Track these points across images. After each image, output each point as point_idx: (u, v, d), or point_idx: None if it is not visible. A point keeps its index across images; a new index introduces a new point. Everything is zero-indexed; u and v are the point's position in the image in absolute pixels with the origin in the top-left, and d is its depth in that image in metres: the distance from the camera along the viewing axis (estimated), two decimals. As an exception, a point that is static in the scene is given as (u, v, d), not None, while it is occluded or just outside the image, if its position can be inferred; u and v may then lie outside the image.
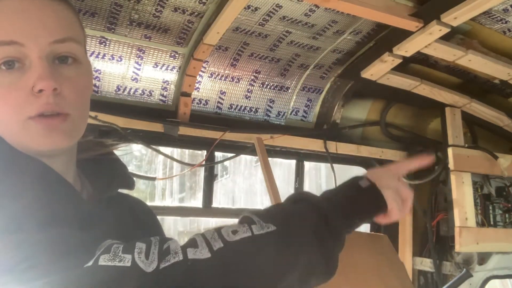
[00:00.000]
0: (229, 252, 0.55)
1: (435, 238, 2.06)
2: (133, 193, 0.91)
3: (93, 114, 1.51)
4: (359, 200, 0.68)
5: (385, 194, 0.69)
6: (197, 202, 2.09)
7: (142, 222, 0.81)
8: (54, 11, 0.64)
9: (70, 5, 0.68)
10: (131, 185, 0.83)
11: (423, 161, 0.78)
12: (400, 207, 0.71)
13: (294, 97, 1.93)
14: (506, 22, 1.58)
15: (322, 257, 0.61)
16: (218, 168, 2.05)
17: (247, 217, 0.60)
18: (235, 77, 1.78)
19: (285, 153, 1.96)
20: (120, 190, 0.83)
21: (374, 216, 0.71)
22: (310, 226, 0.61)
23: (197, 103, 1.77)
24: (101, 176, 0.77)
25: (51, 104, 0.60)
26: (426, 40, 1.58)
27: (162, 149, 1.77)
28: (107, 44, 1.51)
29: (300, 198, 0.66)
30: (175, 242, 0.56)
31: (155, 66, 1.64)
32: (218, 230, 0.57)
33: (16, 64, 0.61)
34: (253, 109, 1.87)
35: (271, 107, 1.90)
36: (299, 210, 0.63)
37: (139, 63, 1.61)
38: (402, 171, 0.78)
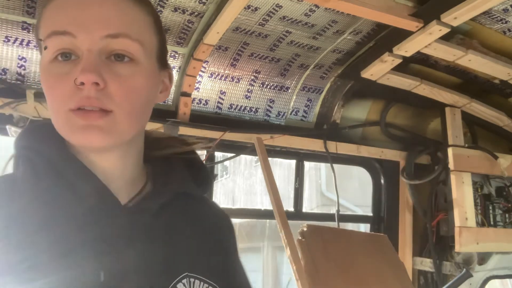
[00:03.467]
0: None
1: (435, 238, 2.06)
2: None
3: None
4: None
5: None
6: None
7: (189, 249, 0.69)
8: (115, 5, 0.62)
9: (144, 5, 0.66)
10: (193, 189, 0.75)
11: None
12: None
13: (294, 97, 1.93)
14: (506, 22, 1.59)
15: None
16: (218, 168, 2.04)
17: None
18: (235, 77, 1.78)
19: (285, 153, 1.96)
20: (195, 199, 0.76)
21: None
22: None
23: (197, 103, 1.77)
24: (159, 177, 0.71)
25: (91, 99, 0.58)
26: (426, 40, 1.58)
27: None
28: (107, 44, 1.52)
29: None
30: None
31: (155, 66, 1.64)
32: None
33: (72, 56, 0.60)
34: (253, 109, 1.87)
35: (271, 107, 1.91)
36: None
37: (139, 63, 1.61)
38: None
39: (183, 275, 0.63)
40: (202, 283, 0.65)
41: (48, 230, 0.61)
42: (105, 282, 0.58)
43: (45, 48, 0.61)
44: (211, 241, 0.73)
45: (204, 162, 0.82)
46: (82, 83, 0.58)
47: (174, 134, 1.67)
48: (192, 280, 0.64)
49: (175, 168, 0.73)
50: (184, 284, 0.63)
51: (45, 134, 0.66)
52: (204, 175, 0.79)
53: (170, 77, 0.73)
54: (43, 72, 0.62)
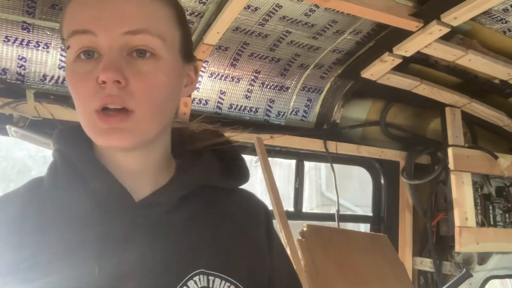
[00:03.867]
0: None
1: (435, 238, 2.06)
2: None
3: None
4: None
5: None
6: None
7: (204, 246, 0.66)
8: (135, 1, 0.60)
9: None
10: (219, 182, 0.72)
11: None
12: None
13: (294, 97, 1.93)
14: (506, 22, 1.58)
15: None
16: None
17: None
18: (235, 77, 1.78)
19: (285, 153, 1.96)
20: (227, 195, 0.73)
21: None
22: None
23: (197, 103, 1.77)
24: (181, 171, 0.69)
25: (113, 97, 0.58)
26: (426, 40, 1.58)
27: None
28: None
29: None
30: None
31: (155, 66, 1.64)
32: None
33: (95, 55, 0.59)
34: (253, 109, 1.87)
35: (271, 107, 1.90)
36: None
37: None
38: None
39: (196, 271, 0.62)
40: (222, 281, 0.63)
41: (51, 230, 0.61)
42: (100, 279, 0.57)
43: (68, 47, 0.61)
44: (238, 237, 0.70)
45: (239, 153, 0.78)
46: (104, 82, 0.57)
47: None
48: (211, 278, 0.62)
49: (201, 161, 0.71)
50: (195, 282, 0.61)
51: (71, 135, 0.67)
52: (237, 166, 0.76)
53: (196, 70, 0.71)
54: (67, 71, 0.62)
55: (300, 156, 2.01)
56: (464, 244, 1.85)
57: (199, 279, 0.62)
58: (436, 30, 1.50)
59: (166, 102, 0.63)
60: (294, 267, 0.83)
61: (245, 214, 0.74)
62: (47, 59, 1.45)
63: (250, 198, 0.78)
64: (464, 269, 1.65)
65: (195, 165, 0.70)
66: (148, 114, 0.60)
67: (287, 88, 1.90)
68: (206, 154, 0.72)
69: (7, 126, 1.38)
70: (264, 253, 0.72)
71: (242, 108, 1.85)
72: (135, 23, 0.59)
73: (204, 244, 0.65)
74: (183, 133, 0.76)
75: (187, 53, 0.68)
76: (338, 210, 1.98)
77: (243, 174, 0.76)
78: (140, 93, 0.59)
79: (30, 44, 1.41)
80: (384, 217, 2.16)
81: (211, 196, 0.70)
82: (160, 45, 0.61)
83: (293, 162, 2.05)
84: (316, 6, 1.52)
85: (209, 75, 1.74)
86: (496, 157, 1.98)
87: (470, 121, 2.16)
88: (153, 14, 0.61)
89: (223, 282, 0.63)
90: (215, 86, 1.77)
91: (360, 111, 2.10)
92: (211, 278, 0.62)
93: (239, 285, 0.64)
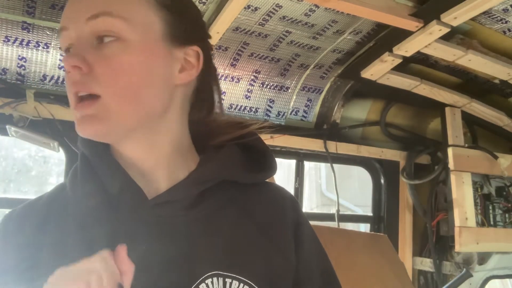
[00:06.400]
0: None
1: (435, 238, 2.06)
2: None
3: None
4: None
5: None
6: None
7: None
8: None
9: None
10: (241, 176, 0.68)
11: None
12: None
13: (294, 97, 1.93)
14: (506, 22, 1.58)
15: None
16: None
17: None
18: (235, 77, 1.78)
19: (285, 153, 1.96)
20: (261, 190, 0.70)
21: None
22: None
23: (197, 103, 1.77)
24: (199, 167, 0.66)
25: (77, 84, 0.58)
26: (426, 40, 1.58)
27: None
28: (107, 44, 1.52)
29: None
30: None
31: (155, 66, 1.64)
32: None
33: (71, 50, 0.61)
34: (253, 109, 1.87)
35: (271, 107, 1.90)
36: None
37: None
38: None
39: (210, 273, 0.60)
40: (240, 283, 0.60)
41: (69, 229, 0.61)
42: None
43: (60, 48, 0.64)
44: (259, 236, 0.66)
45: (264, 144, 0.75)
46: (69, 71, 0.59)
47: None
48: (228, 280, 0.60)
49: (220, 155, 0.68)
50: (210, 284, 0.59)
51: None
52: (263, 159, 0.72)
53: (198, 55, 0.66)
54: None
55: (300, 156, 2.01)
56: (464, 244, 1.85)
57: (213, 281, 0.60)
58: (436, 30, 1.50)
59: (139, 86, 0.60)
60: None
61: (269, 211, 0.70)
62: (47, 59, 1.45)
63: (277, 192, 0.73)
64: (464, 269, 1.65)
65: (213, 159, 0.67)
66: (116, 98, 0.58)
67: (287, 88, 1.90)
68: (227, 147, 0.69)
69: (7, 126, 1.38)
70: (287, 252, 0.67)
71: (242, 108, 1.85)
72: (94, 7, 0.59)
73: (221, 244, 0.63)
74: (209, 127, 0.73)
75: (180, 36, 0.64)
76: (338, 210, 1.98)
77: (268, 167, 0.72)
78: (104, 77, 0.58)
79: (30, 44, 1.41)
80: (384, 217, 2.16)
81: (232, 192, 0.68)
82: (124, 26, 0.59)
83: (293, 162, 2.05)
84: (316, 6, 1.52)
85: (209, 75, 1.74)
86: (496, 157, 1.97)
87: (470, 121, 2.16)
88: None
89: (241, 284, 0.60)
90: (215, 86, 1.77)
91: (360, 111, 2.10)
92: (228, 280, 0.60)
93: (255, 286, 0.61)
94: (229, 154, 0.68)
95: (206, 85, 0.71)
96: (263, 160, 0.73)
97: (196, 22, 0.70)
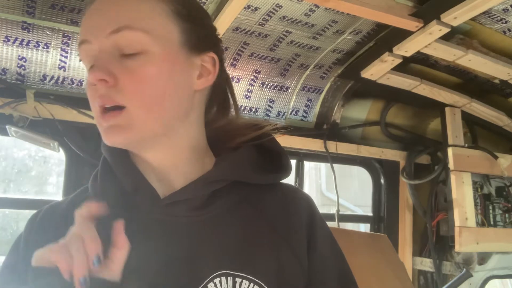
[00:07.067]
0: None
1: (435, 238, 2.06)
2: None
3: (93, 114, 1.50)
4: None
5: None
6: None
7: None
8: (119, 2, 0.62)
9: None
10: (252, 177, 0.68)
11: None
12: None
13: (294, 97, 1.93)
14: (506, 22, 1.58)
15: None
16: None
17: None
18: (235, 77, 1.78)
19: (285, 153, 1.96)
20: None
21: None
22: None
23: (197, 103, 1.77)
24: (212, 169, 0.67)
25: (104, 97, 0.60)
26: (426, 40, 1.58)
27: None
28: (107, 44, 1.52)
29: None
30: None
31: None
32: None
33: None
34: (253, 109, 1.87)
35: (271, 107, 1.90)
36: None
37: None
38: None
39: (219, 272, 0.60)
40: (251, 283, 0.61)
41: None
42: (121, 277, 0.57)
43: (80, 60, 0.65)
44: (270, 236, 0.66)
45: (278, 145, 0.75)
46: (94, 84, 0.60)
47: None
48: (238, 279, 0.60)
49: (232, 156, 0.69)
50: (218, 283, 0.60)
51: None
52: (277, 160, 0.73)
53: (214, 61, 0.69)
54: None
55: (300, 156, 2.01)
56: (464, 244, 1.85)
57: (222, 280, 0.60)
58: (436, 30, 1.50)
59: (163, 95, 0.62)
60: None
61: (282, 211, 0.69)
62: (47, 59, 1.45)
63: (292, 193, 0.73)
64: (464, 269, 1.65)
65: (227, 160, 0.68)
66: (141, 108, 0.60)
67: (287, 88, 1.90)
68: (242, 148, 0.71)
69: (7, 126, 1.38)
70: (300, 253, 0.67)
71: (242, 108, 1.85)
72: (116, 22, 0.61)
73: (231, 244, 0.63)
74: (225, 130, 0.75)
75: (197, 44, 0.67)
76: (338, 210, 1.98)
77: (282, 168, 0.73)
78: (129, 88, 0.60)
79: (30, 44, 1.41)
80: (384, 217, 2.16)
81: (245, 192, 0.68)
82: (145, 38, 0.61)
83: (293, 162, 2.05)
84: (316, 6, 1.52)
85: (209, 75, 1.74)
86: (496, 157, 1.97)
87: (470, 121, 2.16)
88: (135, 10, 0.62)
89: (251, 284, 0.61)
90: (215, 86, 1.77)
91: (360, 111, 2.10)
92: (238, 280, 0.60)
93: (265, 286, 0.61)
94: (243, 155, 0.70)
95: (220, 88, 0.74)
96: (278, 162, 0.74)
97: (210, 29, 0.72)
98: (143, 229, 0.62)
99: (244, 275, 0.61)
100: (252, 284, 0.61)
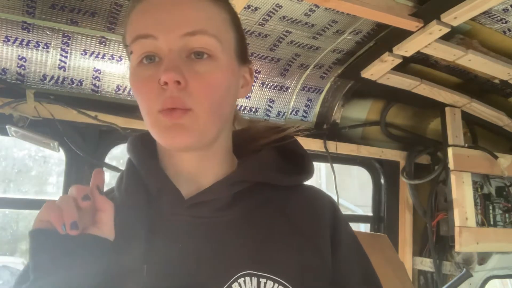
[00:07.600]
0: None
1: (435, 238, 2.06)
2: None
3: (93, 114, 1.51)
4: None
5: None
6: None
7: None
8: (193, 5, 0.63)
9: (221, 3, 0.66)
10: (274, 179, 0.69)
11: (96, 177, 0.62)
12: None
13: (294, 97, 1.93)
14: (506, 22, 1.58)
15: None
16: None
17: None
18: (235, 77, 1.78)
19: (285, 153, 1.96)
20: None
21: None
22: None
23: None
24: (235, 171, 0.68)
25: (174, 98, 0.59)
26: (426, 40, 1.58)
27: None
28: (107, 44, 1.51)
29: None
30: None
31: (155, 66, 1.64)
32: None
33: (156, 59, 0.62)
34: (253, 109, 1.87)
35: (271, 107, 1.91)
36: None
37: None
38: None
39: (243, 273, 0.60)
40: (275, 283, 0.61)
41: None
42: (148, 279, 0.58)
43: (131, 52, 0.63)
44: (293, 237, 0.66)
45: (300, 147, 0.76)
46: (166, 83, 0.59)
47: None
48: (262, 280, 0.60)
49: (254, 158, 0.70)
50: (243, 283, 0.60)
51: (134, 142, 0.71)
52: (300, 162, 0.74)
53: (251, 72, 0.73)
54: (131, 76, 0.64)
55: (300, 156, 2.00)
56: (464, 244, 1.85)
57: (246, 281, 0.60)
58: (436, 30, 1.50)
59: (223, 102, 0.64)
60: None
61: (305, 212, 0.70)
62: (47, 59, 1.45)
63: (314, 194, 0.74)
64: (464, 269, 1.65)
65: (249, 162, 0.69)
66: (206, 112, 0.61)
67: (287, 88, 1.90)
68: (264, 150, 0.72)
69: (7, 126, 1.38)
70: (324, 253, 0.67)
71: (242, 108, 1.85)
72: (192, 24, 0.61)
73: (255, 244, 0.64)
74: (248, 133, 0.77)
75: (242, 55, 0.70)
76: (338, 210, 1.98)
77: (305, 169, 0.74)
78: (198, 92, 0.60)
79: (30, 44, 1.41)
80: (384, 217, 2.16)
81: (268, 194, 0.69)
82: (217, 45, 0.62)
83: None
84: (316, 6, 1.52)
85: (209, 75, 1.74)
86: (496, 157, 1.98)
87: (470, 121, 2.16)
88: (210, 17, 0.63)
89: (276, 284, 0.61)
90: (215, 86, 1.77)
91: (360, 111, 2.10)
92: (262, 280, 0.60)
93: (289, 286, 0.61)
94: (265, 157, 0.71)
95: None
96: (301, 164, 0.74)
97: (245, 40, 0.74)
98: (167, 229, 0.63)
99: (268, 275, 0.61)
100: (276, 285, 0.61)
